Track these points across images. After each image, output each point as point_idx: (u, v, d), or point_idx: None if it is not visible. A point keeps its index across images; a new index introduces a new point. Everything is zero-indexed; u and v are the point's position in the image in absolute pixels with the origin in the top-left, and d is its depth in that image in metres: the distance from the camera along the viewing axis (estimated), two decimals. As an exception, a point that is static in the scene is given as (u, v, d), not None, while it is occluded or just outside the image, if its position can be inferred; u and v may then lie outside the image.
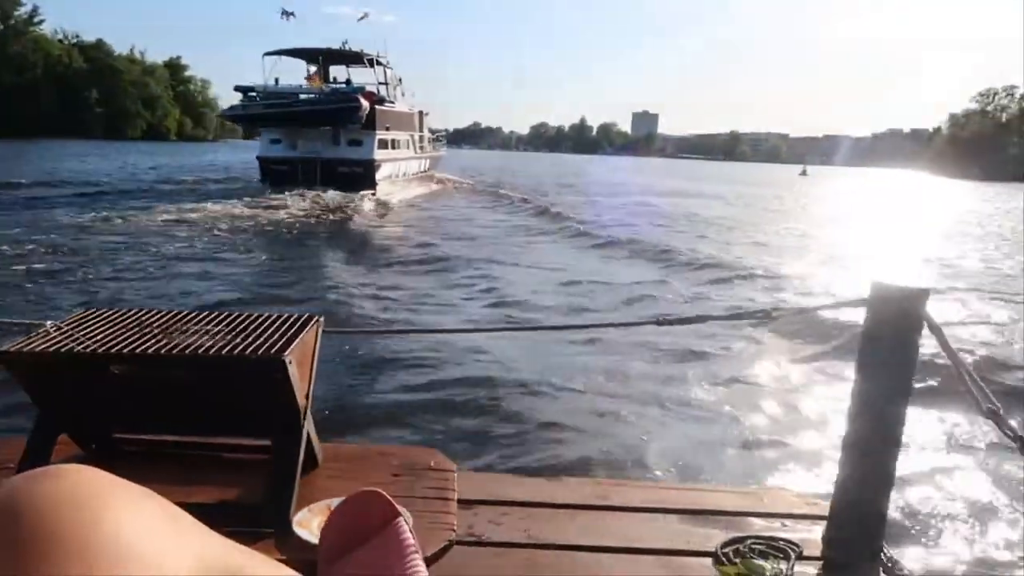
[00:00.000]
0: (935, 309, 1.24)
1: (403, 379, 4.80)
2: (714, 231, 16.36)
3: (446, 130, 42.84)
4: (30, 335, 1.14)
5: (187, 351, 1.11)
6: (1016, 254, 14.67)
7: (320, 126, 20.87)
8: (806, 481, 3.53)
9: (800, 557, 1.25)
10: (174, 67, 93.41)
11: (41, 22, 76.01)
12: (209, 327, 1.24)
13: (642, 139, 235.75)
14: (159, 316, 1.28)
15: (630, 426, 4.17)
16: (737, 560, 1.22)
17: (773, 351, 6.00)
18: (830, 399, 4.72)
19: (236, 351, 1.11)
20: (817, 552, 1.29)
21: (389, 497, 0.91)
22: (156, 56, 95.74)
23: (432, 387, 4.66)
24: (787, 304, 7.46)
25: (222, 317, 1.29)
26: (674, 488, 1.61)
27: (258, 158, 22.35)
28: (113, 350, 1.10)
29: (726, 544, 1.28)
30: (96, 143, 58.69)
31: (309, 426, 1.22)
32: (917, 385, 3.68)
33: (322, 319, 1.30)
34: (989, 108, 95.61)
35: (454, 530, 1.13)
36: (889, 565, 1.25)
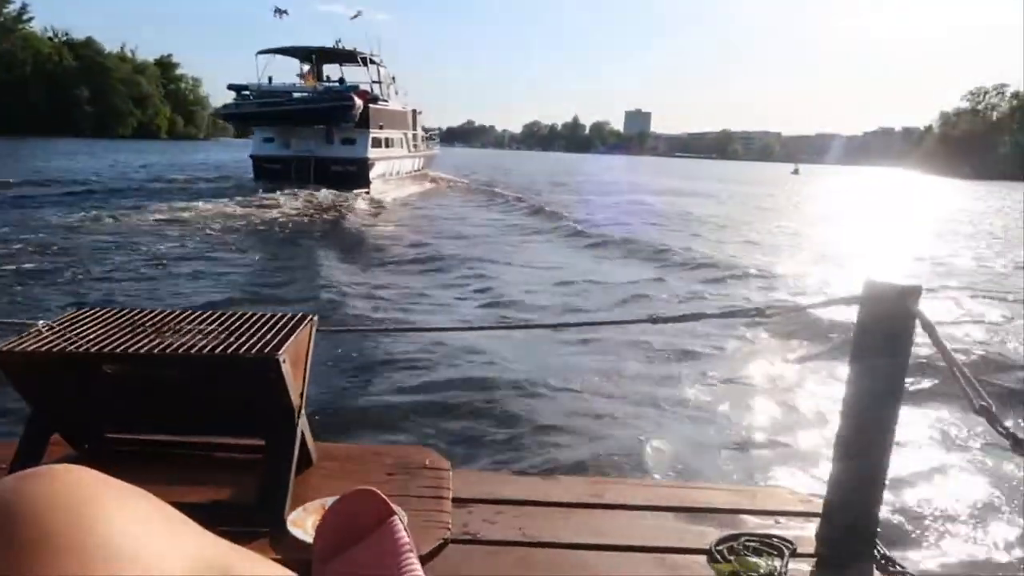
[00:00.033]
0: (927, 307, 1.24)
1: (397, 378, 4.79)
2: (707, 230, 16.41)
3: (439, 128, 42.75)
4: (22, 335, 1.14)
5: (180, 350, 1.10)
6: (1008, 252, 14.77)
7: (314, 125, 20.83)
8: (800, 478, 3.55)
9: (794, 554, 1.25)
10: (165, 65, 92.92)
11: (31, 20, 75.63)
12: (202, 326, 1.23)
13: (635, 137, 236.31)
14: (152, 315, 1.28)
15: (624, 425, 4.18)
16: (731, 558, 1.23)
17: (766, 349, 6.02)
18: (823, 396, 4.74)
19: (229, 350, 1.11)
20: (811, 549, 1.30)
21: (384, 496, 0.91)
22: (147, 54, 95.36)
23: (426, 386, 4.65)
24: (780, 302, 7.49)
25: (215, 316, 1.28)
26: (668, 486, 1.62)
27: (251, 156, 22.28)
28: (106, 350, 1.10)
29: (720, 542, 1.28)
30: (86, 141, 58.30)
31: (303, 425, 1.22)
32: (910, 383, 3.73)
33: (316, 318, 1.30)
34: (980, 107, 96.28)
35: (449, 529, 1.13)
36: (883, 562, 1.26)
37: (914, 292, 1.24)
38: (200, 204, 15.86)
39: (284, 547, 1.01)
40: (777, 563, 1.20)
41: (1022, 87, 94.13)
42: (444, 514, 1.16)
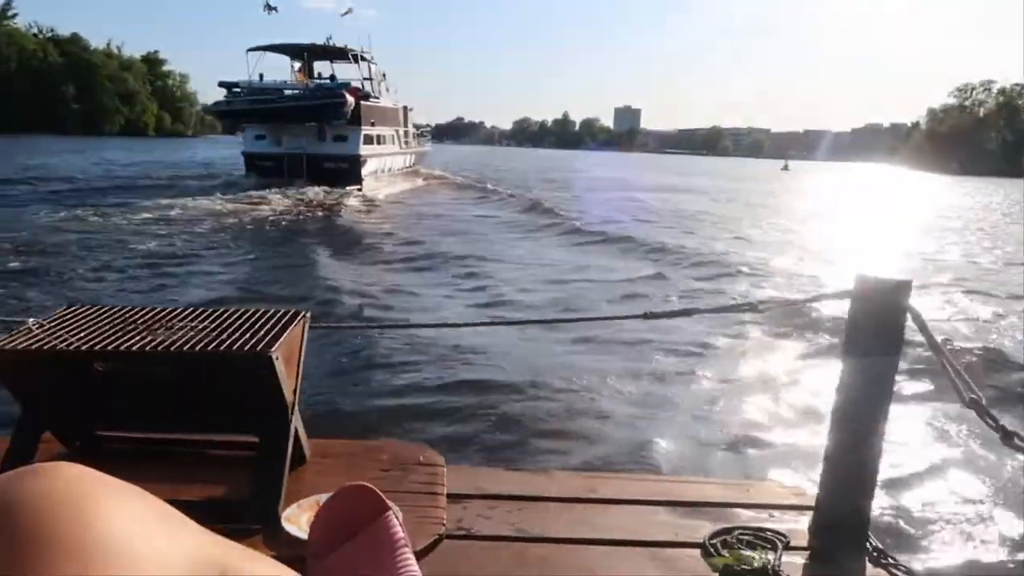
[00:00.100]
0: (918, 303, 1.25)
1: (391, 375, 4.78)
2: (700, 226, 16.46)
3: (429, 125, 42.65)
4: (12, 333, 1.13)
5: (172, 348, 1.10)
6: (995, 249, 14.90)
7: (305, 122, 20.77)
8: (793, 472, 3.57)
9: (787, 547, 1.26)
10: (152, 61, 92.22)
11: (15, 16, 74.84)
12: (194, 323, 1.22)
13: (625, 134, 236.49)
14: (143, 313, 1.27)
15: (618, 420, 4.19)
16: (725, 551, 1.23)
17: (759, 344, 6.05)
18: (815, 390, 4.77)
19: (222, 347, 1.10)
20: (804, 542, 1.31)
21: (378, 491, 0.90)
22: (133, 50, 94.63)
23: (420, 382, 4.65)
24: (773, 298, 7.53)
25: (207, 313, 1.27)
26: (662, 480, 1.63)
27: (243, 154, 22.20)
28: (97, 347, 1.09)
29: (714, 535, 1.29)
30: (72, 139, 57.71)
31: (297, 422, 1.21)
32: (901, 377, 3.75)
33: (309, 315, 1.29)
34: (967, 103, 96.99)
35: (443, 524, 1.13)
36: (875, 554, 1.27)
37: (905, 287, 1.25)
38: (189, 202, 15.77)
39: (278, 544, 1.01)
40: (770, 556, 1.21)
41: (1008, 83, 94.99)
42: (439, 510, 1.16)
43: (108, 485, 0.46)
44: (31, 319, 1.18)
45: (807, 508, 1.39)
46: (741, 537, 1.28)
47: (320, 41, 23.73)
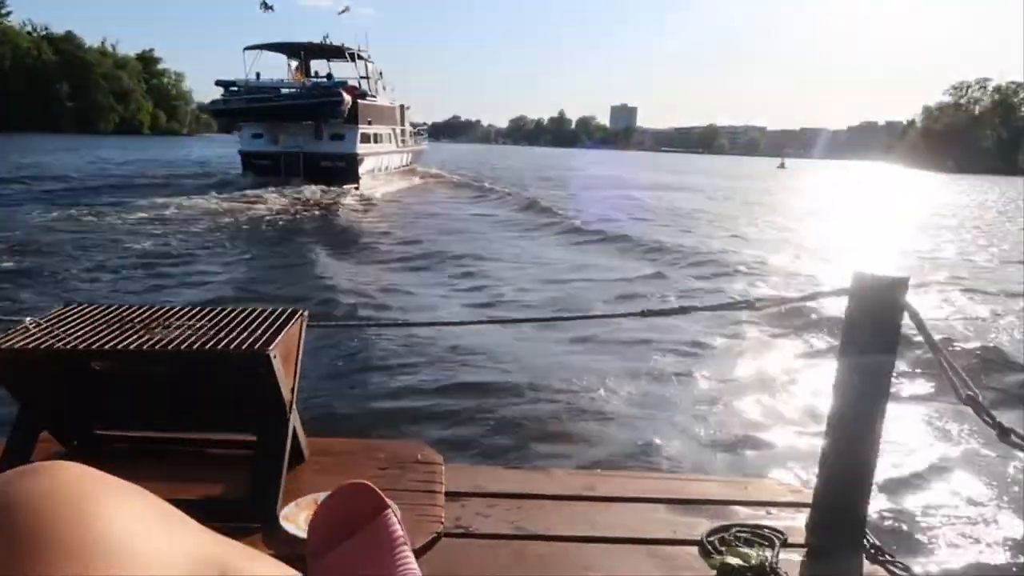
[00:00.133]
0: (915, 300, 1.26)
1: (389, 373, 4.78)
2: (696, 224, 16.48)
3: (425, 124, 42.61)
4: (9, 332, 1.12)
5: (169, 346, 1.09)
6: (991, 246, 14.95)
7: (302, 120, 20.76)
8: (790, 469, 3.58)
9: (785, 544, 1.27)
10: (147, 60, 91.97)
11: (8, 14, 74.53)
12: (191, 322, 1.22)
13: (621, 132, 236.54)
14: (140, 312, 1.26)
15: (616, 418, 4.20)
16: (723, 548, 1.24)
17: (757, 342, 6.06)
18: (812, 388, 4.79)
19: (220, 346, 1.10)
20: (801, 539, 1.31)
21: (377, 489, 0.90)
22: (128, 48, 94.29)
23: (418, 381, 4.65)
24: (770, 296, 7.54)
25: (204, 312, 1.27)
26: (660, 478, 1.63)
27: (240, 152, 22.17)
28: (94, 346, 1.09)
29: (712, 533, 1.29)
30: (67, 137, 57.49)
31: (295, 420, 1.21)
32: (898, 374, 3.76)
33: (306, 313, 1.29)
34: (962, 101, 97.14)
35: (442, 522, 1.12)
36: (872, 551, 1.28)
37: (902, 283, 1.26)
38: (185, 201, 15.72)
39: (277, 542, 1.01)
40: (768, 553, 1.22)
41: (1004, 81, 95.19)
42: (437, 508, 1.16)
43: (108, 484, 0.45)
44: (28, 318, 1.18)
45: (804, 505, 1.39)
46: (739, 534, 1.28)
47: (317, 40, 23.70)
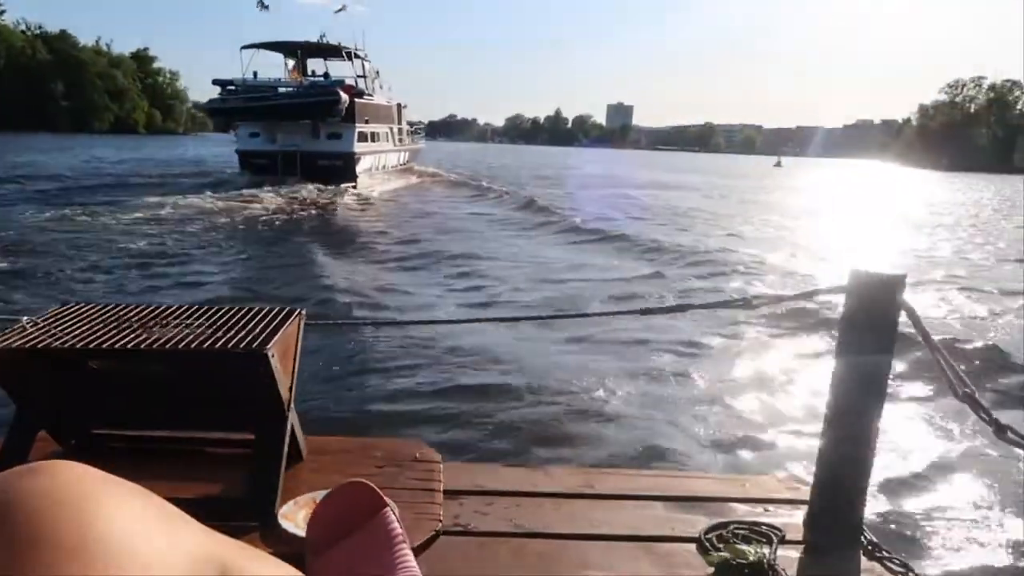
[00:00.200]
0: (911, 298, 1.26)
1: (387, 372, 4.78)
2: (693, 223, 16.49)
3: (422, 122, 42.59)
4: (5, 331, 1.12)
5: (167, 345, 1.09)
6: (987, 245, 14.98)
7: (299, 119, 20.75)
8: (787, 466, 3.59)
9: (782, 541, 1.27)
10: (142, 58, 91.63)
11: (2, 12, 74.23)
12: (189, 321, 1.22)
13: (617, 131, 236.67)
14: (137, 311, 1.26)
15: (614, 415, 4.20)
16: (721, 545, 1.24)
17: (754, 340, 6.07)
18: (810, 385, 4.80)
19: (217, 345, 1.10)
20: (799, 536, 1.31)
21: (375, 487, 0.90)
22: (123, 47, 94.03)
23: (416, 379, 4.65)
24: (767, 293, 7.55)
25: (202, 311, 1.27)
26: (658, 475, 1.63)
27: (238, 152, 22.14)
28: (91, 345, 1.08)
29: (710, 530, 1.29)
30: (62, 137, 57.25)
31: (293, 419, 1.21)
32: (895, 371, 3.77)
33: (304, 312, 1.29)
34: (957, 99, 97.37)
35: (440, 520, 1.13)
36: (870, 548, 1.28)
37: (899, 281, 1.26)
38: (180, 200, 15.67)
39: (276, 541, 1.01)
40: (766, 550, 1.22)
41: (999, 79, 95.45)
42: (435, 506, 1.16)
43: (108, 483, 0.45)
44: (25, 317, 1.17)
45: (802, 502, 1.39)
46: (736, 532, 1.28)
47: (314, 39, 23.73)
